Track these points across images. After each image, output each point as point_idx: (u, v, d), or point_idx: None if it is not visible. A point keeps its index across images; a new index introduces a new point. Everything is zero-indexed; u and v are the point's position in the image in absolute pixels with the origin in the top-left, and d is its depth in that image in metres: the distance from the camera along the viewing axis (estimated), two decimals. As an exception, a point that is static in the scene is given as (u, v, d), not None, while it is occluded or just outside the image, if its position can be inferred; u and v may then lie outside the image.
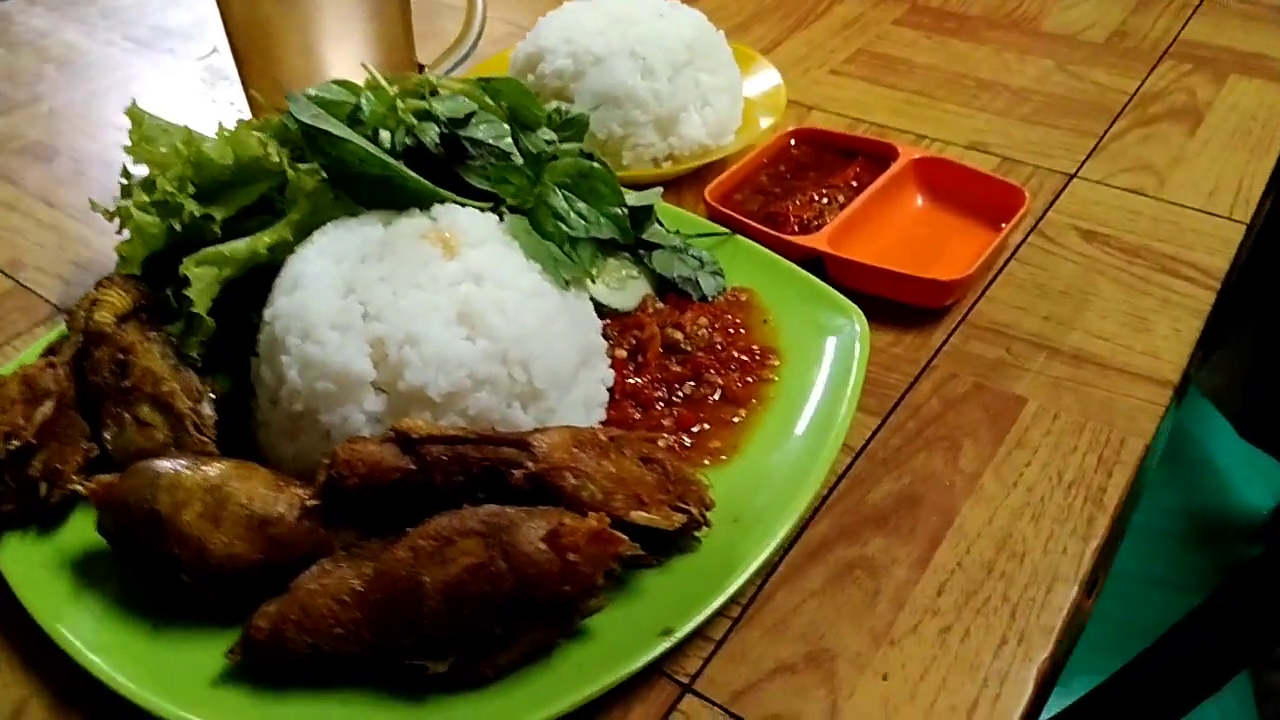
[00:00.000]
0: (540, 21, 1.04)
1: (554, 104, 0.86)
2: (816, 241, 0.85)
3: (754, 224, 0.88)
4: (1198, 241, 0.92)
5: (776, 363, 0.77)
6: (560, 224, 0.73)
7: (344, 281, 0.66)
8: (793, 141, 1.01)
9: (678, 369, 0.76)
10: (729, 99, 1.01)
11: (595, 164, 0.75)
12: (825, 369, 0.75)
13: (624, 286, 0.83)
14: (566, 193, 0.74)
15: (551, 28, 1.00)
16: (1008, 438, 0.73)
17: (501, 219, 0.73)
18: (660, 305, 0.82)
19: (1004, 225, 0.89)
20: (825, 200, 0.93)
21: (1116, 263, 0.89)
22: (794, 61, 1.23)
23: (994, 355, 0.80)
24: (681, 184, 0.99)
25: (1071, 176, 1.01)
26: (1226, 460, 1.76)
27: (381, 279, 0.65)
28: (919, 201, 0.95)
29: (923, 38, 1.28)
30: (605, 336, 0.78)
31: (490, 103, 0.78)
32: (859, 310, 0.77)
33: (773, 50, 1.26)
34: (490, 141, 0.78)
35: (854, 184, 0.95)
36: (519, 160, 0.77)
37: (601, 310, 0.79)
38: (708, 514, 0.62)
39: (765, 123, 1.03)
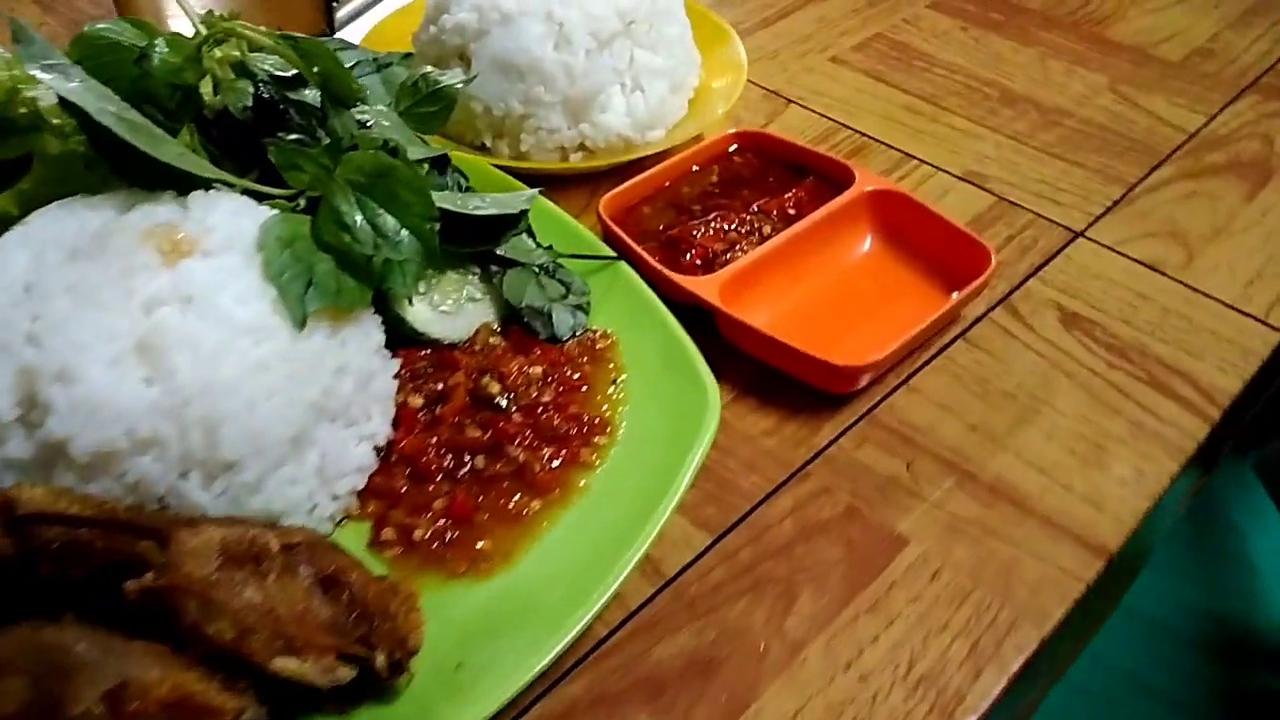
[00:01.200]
0: (465, -39, 0.87)
1: (424, 70, 0.71)
2: (703, 288, 0.68)
3: (641, 251, 0.71)
4: (1210, 348, 0.71)
5: (604, 441, 0.61)
6: (345, 235, 0.58)
7: (24, 284, 0.52)
8: (734, 147, 0.83)
9: (476, 433, 0.60)
10: (668, 84, 0.84)
11: (398, 162, 0.59)
12: (657, 460, 0.59)
13: (458, 311, 0.67)
14: (360, 195, 0.59)
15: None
16: (863, 594, 0.56)
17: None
18: (497, 340, 0.66)
19: (955, 294, 0.71)
20: (747, 229, 0.75)
21: (1094, 363, 0.70)
22: (794, 41, 1.03)
23: (887, 471, 0.62)
24: (598, 184, 0.82)
25: (1076, 235, 0.81)
26: (1267, 559, 1.53)
27: (68, 288, 0.51)
28: (867, 244, 0.77)
29: (958, 29, 1.06)
30: (414, 373, 0.64)
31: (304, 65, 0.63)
32: (714, 389, 0.60)
33: (774, 23, 1.06)
34: (306, 122, 0.63)
35: (792, 210, 0.77)
36: (324, 140, 0.62)
37: (422, 338, 0.64)
38: (410, 660, 0.48)
39: (713, 118, 0.85)
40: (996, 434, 0.65)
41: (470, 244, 0.67)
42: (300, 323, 0.53)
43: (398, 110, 0.70)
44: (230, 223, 0.56)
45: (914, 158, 0.88)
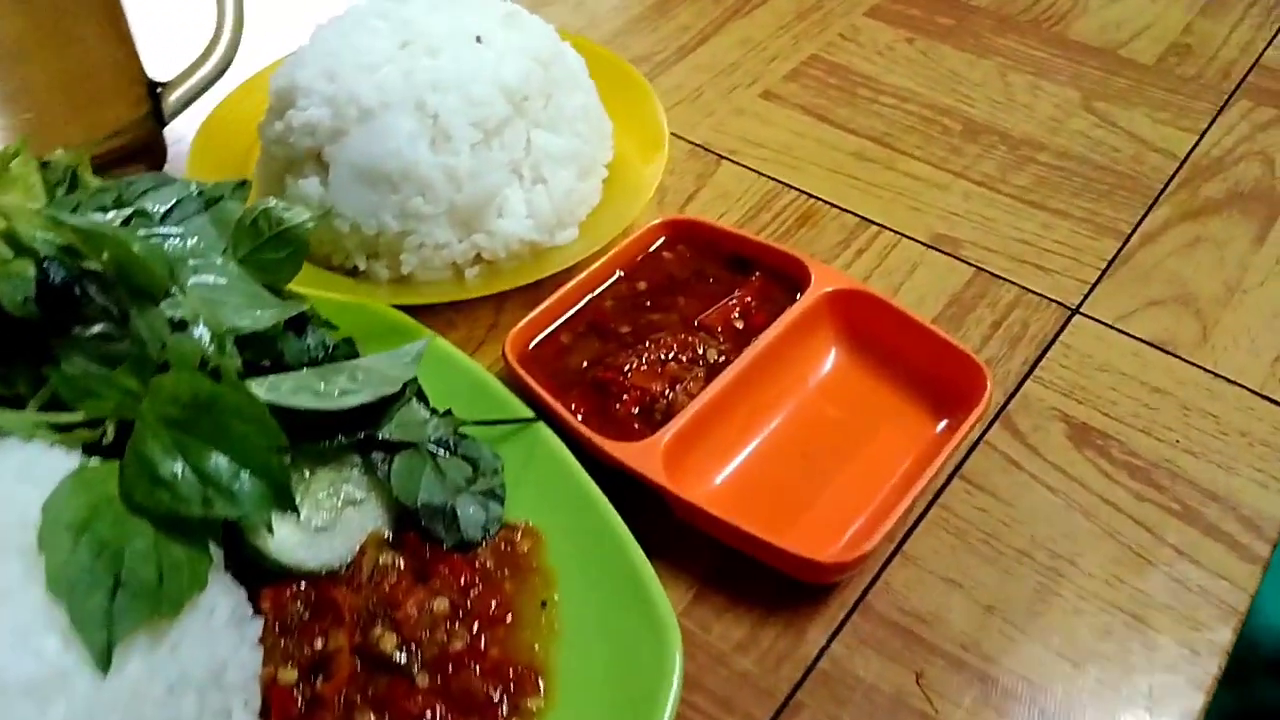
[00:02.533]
0: (313, 34, 0.71)
1: (263, 205, 0.55)
2: (643, 459, 0.55)
3: (561, 409, 0.58)
4: (1244, 455, 0.60)
5: (537, 705, 0.48)
6: (163, 492, 0.43)
7: None
8: (661, 240, 0.69)
9: (370, 718, 0.47)
10: (575, 170, 0.69)
11: (223, 388, 0.44)
12: (607, 726, 0.46)
13: (334, 523, 0.53)
14: (178, 434, 0.44)
15: (315, 52, 0.67)
16: None
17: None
18: (389, 559, 0.53)
19: (946, 427, 0.59)
20: (689, 355, 0.62)
21: (1115, 494, 0.58)
22: (719, 74, 0.89)
23: (893, 686, 0.50)
24: (504, 300, 0.68)
25: (1072, 312, 0.69)
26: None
27: None
28: (831, 359, 0.64)
29: (903, 41, 0.93)
30: (284, 625, 0.50)
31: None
32: (674, 628, 0.47)
33: (694, 51, 0.92)
34: (112, 309, 0.48)
35: (739, 323, 0.64)
36: (129, 352, 0.47)
37: (291, 572, 0.50)
38: None
39: (636, 204, 0.71)
40: (1016, 615, 0.53)
41: (343, 434, 0.53)
42: (103, 658, 0.39)
43: (236, 258, 0.55)
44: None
45: (872, 222, 0.75)
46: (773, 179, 0.79)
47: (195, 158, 0.72)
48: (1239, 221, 0.75)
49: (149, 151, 0.76)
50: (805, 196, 0.77)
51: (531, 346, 0.62)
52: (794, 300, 0.64)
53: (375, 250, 0.65)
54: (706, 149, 0.81)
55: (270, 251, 0.55)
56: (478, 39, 0.67)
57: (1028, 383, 0.64)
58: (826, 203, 0.77)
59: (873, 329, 0.63)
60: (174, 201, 0.57)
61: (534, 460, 0.56)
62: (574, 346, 0.63)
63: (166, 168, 0.78)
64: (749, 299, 0.65)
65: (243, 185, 0.58)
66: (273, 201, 0.56)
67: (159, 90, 0.74)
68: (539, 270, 0.66)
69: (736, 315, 0.64)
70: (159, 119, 0.75)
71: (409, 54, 0.66)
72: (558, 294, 0.64)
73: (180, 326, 0.48)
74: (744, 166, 0.80)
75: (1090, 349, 0.66)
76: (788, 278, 0.66)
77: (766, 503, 0.56)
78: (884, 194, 0.77)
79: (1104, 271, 0.72)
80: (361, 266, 0.66)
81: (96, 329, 0.48)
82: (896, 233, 0.74)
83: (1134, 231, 0.74)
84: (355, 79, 0.64)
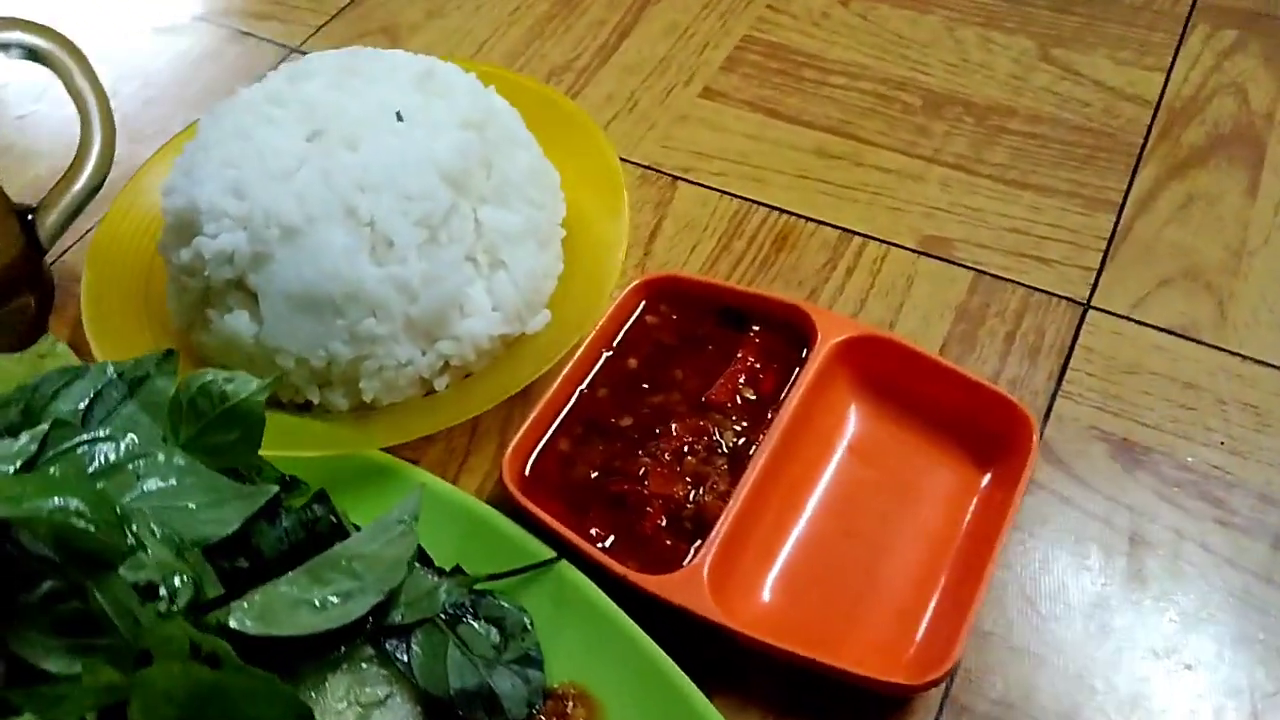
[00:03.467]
0: (201, 130, 0.60)
1: (199, 378, 0.47)
2: (688, 593, 0.49)
3: (584, 544, 0.52)
4: (1294, 448, 0.58)
5: None
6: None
7: None
8: (642, 305, 0.62)
9: None
10: (534, 242, 0.61)
11: (224, 674, 0.37)
12: None
13: (364, 725, 0.47)
14: (176, 737, 0.37)
15: (210, 160, 0.57)
16: None
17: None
18: (429, 756, 0.47)
19: (994, 479, 0.54)
20: (705, 444, 0.56)
21: (1184, 523, 0.55)
22: (650, 74, 0.81)
23: (1001, 800, 0.47)
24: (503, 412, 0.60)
25: (1084, 308, 0.65)
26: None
27: None
28: (853, 415, 0.58)
29: (836, 4, 0.85)
30: None
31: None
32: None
33: (618, 49, 0.83)
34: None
35: (750, 394, 0.58)
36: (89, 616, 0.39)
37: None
38: None
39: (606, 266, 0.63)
40: (1119, 695, 0.50)
41: (349, 643, 0.46)
42: None
43: (179, 444, 0.47)
44: None
45: (854, 233, 0.69)
46: (737, 197, 0.72)
47: (92, 293, 0.62)
48: (1227, 171, 0.71)
49: (34, 284, 0.66)
50: (776, 213, 0.71)
51: (530, 464, 0.56)
52: (799, 352, 0.59)
53: (328, 380, 0.57)
54: (658, 170, 0.74)
55: (218, 433, 0.47)
56: (398, 116, 0.58)
57: (1057, 401, 0.60)
58: (801, 217, 0.70)
59: (892, 376, 0.58)
60: (92, 394, 0.48)
61: (564, 606, 0.50)
62: (576, 455, 0.56)
63: (63, 299, 0.68)
64: (752, 361, 0.59)
65: (169, 357, 0.49)
66: (210, 375, 0.48)
67: (31, 217, 0.64)
68: (519, 371, 0.58)
69: (744, 383, 0.58)
70: (36, 248, 0.65)
71: (323, 149, 0.56)
72: (546, 396, 0.57)
73: (149, 592, 0.40)
74: (703, 186, 0.73)
75: (1112, 349, 0.62)
76: (787, 325, 0.60)
77: (823, 605, 0.51)
78: (859, 196, 0.71)
79: (1106, 253, 0.67)
80: (315, 400, 0.58)
81: (44, 587, 0.41)
82: (883, 242, 0.68)
83: (1125, 200, 0.70)
84: (268, 192, 0.55)
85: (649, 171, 0.74)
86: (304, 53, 0.84)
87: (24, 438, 0.44)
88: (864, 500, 0.55)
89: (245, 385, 0.47)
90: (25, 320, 0.65)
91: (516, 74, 0.76)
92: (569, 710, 0.48)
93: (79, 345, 0.58)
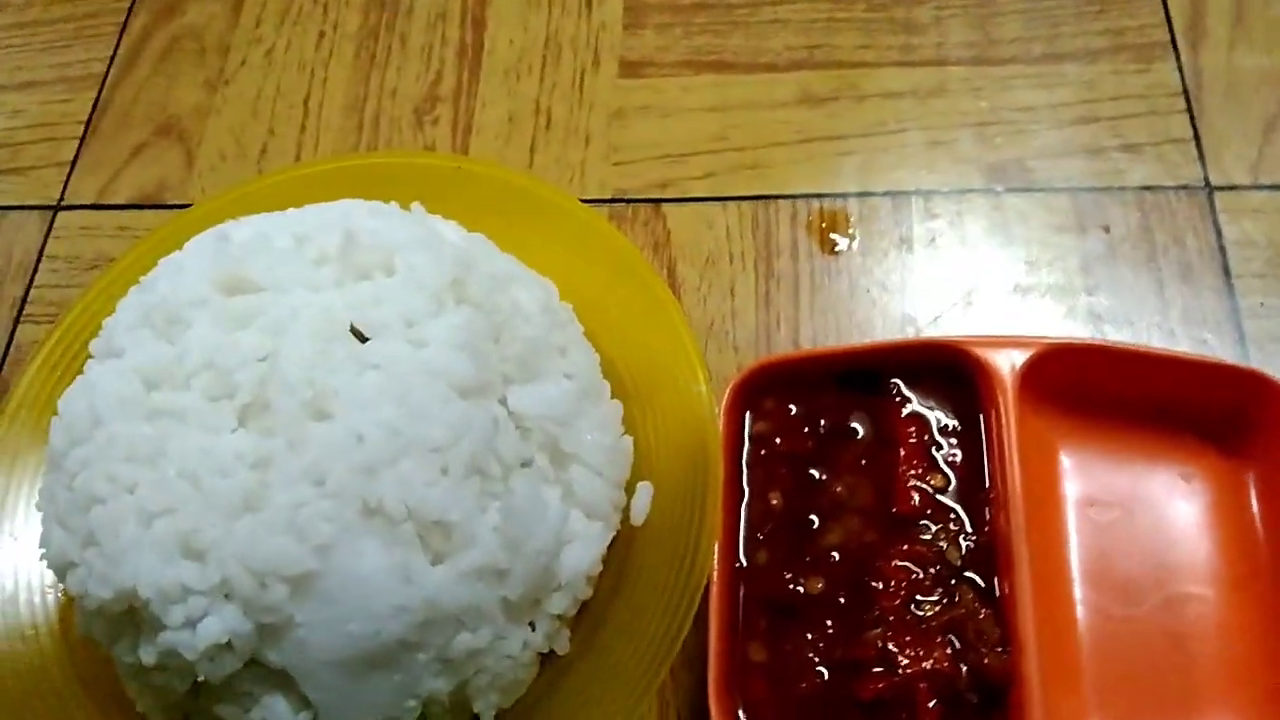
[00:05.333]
0: (56, 457, 0.39)
1: None
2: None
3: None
4: None
5: None
6: None
7: None
8: (748, 420, 0.47)
9: None
10: (587, 400, 0.44)
11: None
12: None
13: None
14: None
15: (115, 510, 0.37)
16: None
17: None
18: None
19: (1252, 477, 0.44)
20: (932, 578, 0.42)
21: None
22: (537, 70, 0.61)
23: None
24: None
25: (1207, 189, 0.53)
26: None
27: None
28: (1065, 460, 0.46)
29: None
30: None
31: None
32: None
33: (481, 61, 0.63)
34: None
35: (934, 480, 0.45)
36: None
37: None
38: None
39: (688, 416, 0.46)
40: None
41: None
42: None
43: None
44: None
45: (906, 193, 0.55)
46: (742, 199, 0.56)
47: None
48: None
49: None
50: (800, 201, 0.55)
51: (738, 693, 0.42)
52: (962, 394, 0.46)
53: (430, 718, 0.41)
54: (627, 200, 0.56)
55: None
56: (356, 335, 0.39)
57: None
58: (832, 196, 0.55)
59: (1090, 388, 0.46)
60: None
61: None
62: (782, 660, 0.42)
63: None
64: (913, 434, 0.46)
65: None
66: None
67: None
68: (647, 587, 0.43)
69: (924, 470, 0.45)
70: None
71: (279, 433, 0.37)
72: (711, 608, 0.42)
73: None
74: (692, 200, 0.56)
75: (1257, 230, 0.52)
76: (932, 368, 0.46)
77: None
78: (884, 140, 0.56)
79: (1187, 115, 0.56)
80: (426, 737, 0.41)
81: None
82: (948, 193, 0.55)
83: (1173, 40, 0.58)
84: (237, 536, 0.36)
85: (618, 205, 0.57)
86: (68, 207, 0.61)
87: None
88: (1128, 555, 0.44)
89: None
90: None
91: (403, 155, 0.56)
92: None
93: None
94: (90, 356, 0.43)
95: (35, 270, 0.59)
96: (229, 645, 0.37)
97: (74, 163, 0.62)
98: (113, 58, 0.65)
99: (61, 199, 0.61)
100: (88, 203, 0.61)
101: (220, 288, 0.41)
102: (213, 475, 0.37)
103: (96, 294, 0.50)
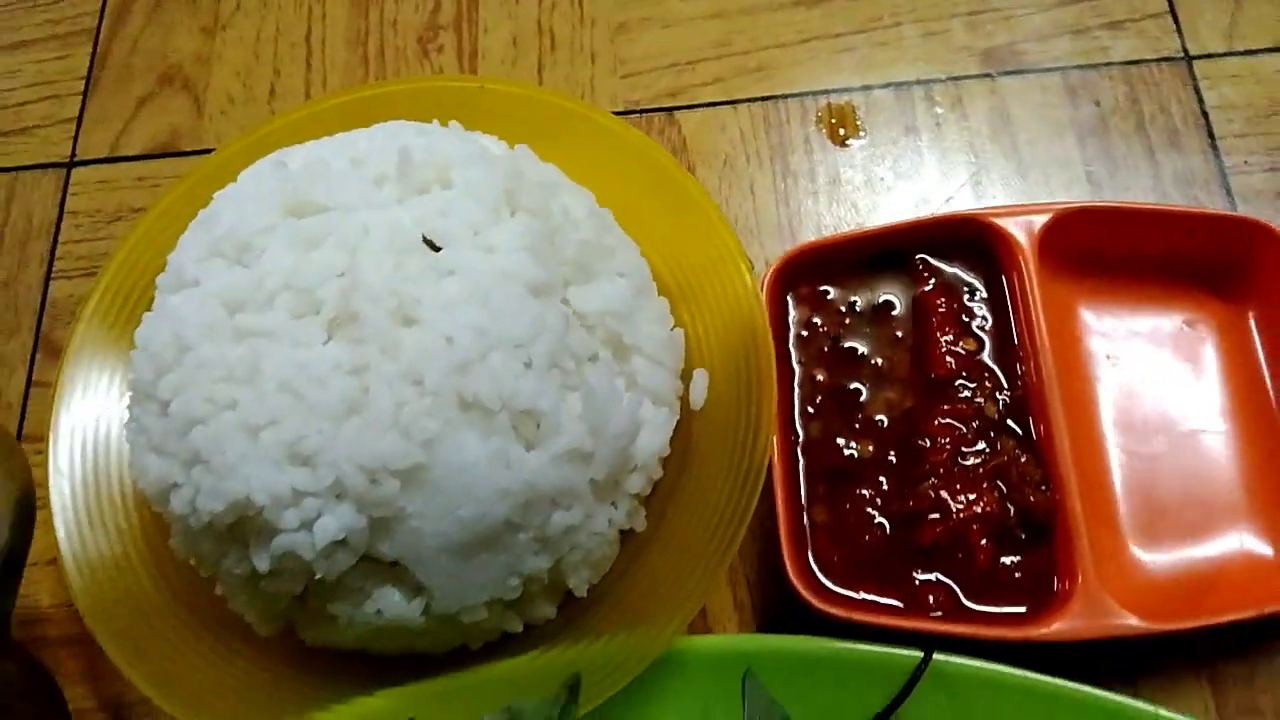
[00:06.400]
0: (145, 389, 0.41)
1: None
2: (1091, 617, 0.41)
3: (921, 624, 0.42)
4: None
5: None
6: None
7: None
8: (789, 303, 0.50)
9: None
10: (642, 296, 0.47)
11: None
12: None
13: None
14: None
15: (219, 431, 0.38)
16: None
17: None
18: None
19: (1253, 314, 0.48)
20: (973, 431, 0.46)
21: None
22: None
23: None
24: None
25: (1186, 59, 0.57)
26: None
27: None
28: (1084, 314, 0.50)
29: None
30: None
31: None
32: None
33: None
34: None
35: (970, 343, 0.48)
36: None
37: None
38: None
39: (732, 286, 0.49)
40: None
41: None
42: None
43: None
44: None
45: (907, 84, 0.57)
46: (752, 100, 0.58)
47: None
48: None
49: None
50: (809, 98, 0.58)
51: (811, 561, 0.45)
52: (985, 265, 0.49)
53: (527, 599, 0.43)
54: (641, 111, 0.58)
55: None
56: (429, 245, 0.41)
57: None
58: (838, 91, 0.58)
59: (1100, 246, 0.49)
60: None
61: (965, 700, 0.42)
62: (844, 520, 0.46)
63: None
64: (943, 303, 0.49)
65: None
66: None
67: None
68: (712, 466, 0.46)
69: (956, 335, 0.48)
70: None
71: (371, 341, 0.39)
72: (775, 480, 0.45)
73: None
74: (703, 106, 0.58)
75: (1239, 94, 0.56)
76: (954, 243, 0.50)
77: (1190, 543, 0.45)
78: (881, 35, 0.59)
79: (1166, -15, 0.59)
80: (517, 629, 0.44)
81: None
82: (946, 79, 0.57)
83: (1144, -88, 0.61)
84: (344, 440, 0.38)
85: (632, 117, 0.58)
86: (82, 163, 0.61)
87: None
88: (1146, 399, 0.48)
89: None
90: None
91: (424, 81, 0.57)
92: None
93: None
94: (151, 299, 0.44)
95: (58, 228, 0.59)
96: (344, 542, 0.39)
97: (79, 119, 0.62)
98: (102, 10, 0.65)
99: (73, 155, 0.61)
100: (101, 157, 0.61)
101: (287, 212, 0.42)
102: (312, 385, 0.39)
103: (138, 239, 0.51)
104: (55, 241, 0.59)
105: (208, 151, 0.58)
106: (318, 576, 0.40)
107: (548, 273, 0.42)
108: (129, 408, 0.44)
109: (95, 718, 0.48)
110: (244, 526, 0.40)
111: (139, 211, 0.58)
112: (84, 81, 0.63)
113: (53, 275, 0.58)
